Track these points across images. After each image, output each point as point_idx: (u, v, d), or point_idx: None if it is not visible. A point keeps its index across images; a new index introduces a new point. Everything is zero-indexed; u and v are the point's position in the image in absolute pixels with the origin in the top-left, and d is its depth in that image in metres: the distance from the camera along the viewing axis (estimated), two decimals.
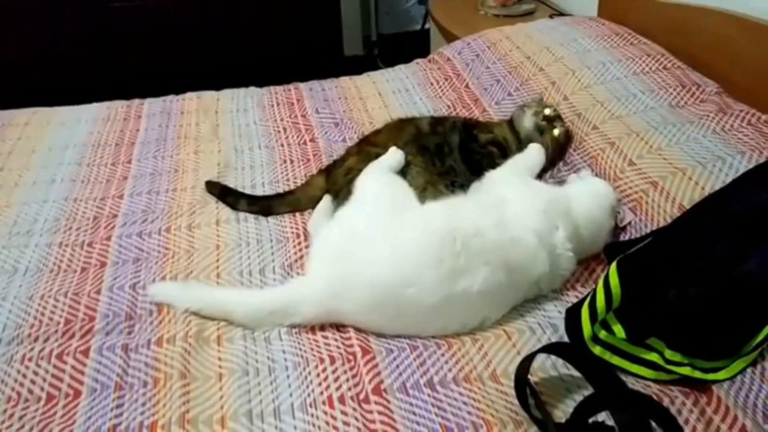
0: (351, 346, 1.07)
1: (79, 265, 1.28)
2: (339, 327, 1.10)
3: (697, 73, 1.56)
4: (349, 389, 1.00)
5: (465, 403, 0.96)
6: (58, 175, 1.58)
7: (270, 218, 1.39)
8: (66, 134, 1.76)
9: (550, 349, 0.99)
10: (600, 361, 1.00)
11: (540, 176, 1.40)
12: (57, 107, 1.92)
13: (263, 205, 1.41)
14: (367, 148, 1.43)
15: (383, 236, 1.12)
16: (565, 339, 1.06)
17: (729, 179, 1.18)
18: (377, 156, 1.36)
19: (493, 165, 1.39)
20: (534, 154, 1.40)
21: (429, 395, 0.98)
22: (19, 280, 1.24)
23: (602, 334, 1.01)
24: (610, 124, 1.44)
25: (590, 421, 0.88)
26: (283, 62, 3.19)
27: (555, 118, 1.47)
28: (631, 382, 0.98)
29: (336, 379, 1.01)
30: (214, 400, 0.99)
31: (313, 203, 1.39)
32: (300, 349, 1.07)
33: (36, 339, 1.11)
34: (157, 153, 1.66)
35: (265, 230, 1.35)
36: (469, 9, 2.60)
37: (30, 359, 1.07)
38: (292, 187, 1.48)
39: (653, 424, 0.86)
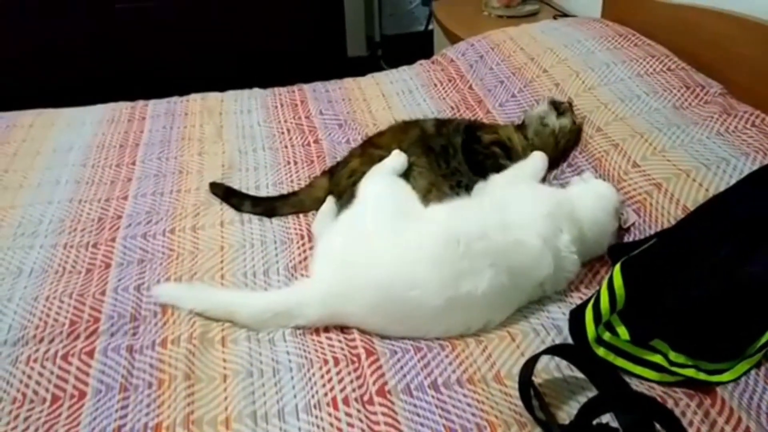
0: (355, 347, 1.07)
1: (84, 267, 1.28)
2: (343, 328, 1.11)
3: (701, 74, 1.55)
4: (353, 391, 1.00)
5: (469, 405, 0.96)
6: (63, 176, 1.58)
7: (274, 220, 1.39)
8: (70, 136, 1.76)
9: (554, 350, 0.99)
10: (604, 363, 1.00)
11: (543, 179, 1.40)
12: (61, 109, 1.93)
13: (267, 207, 1.42)
14: (371, 150, 1.43)
15: (387, 238, 1.12)
16: (569, 341, 1.06)
17: (733, 181, 1.17)
18: (380, 158, 1.36)
19: (497, 165, 1.39)
20: (537, 160, 1.40)
21: (433, 397, 0.98)
22: (24, 282, 1.24)
23: (606, 335, 1.01)
24: (614, 125, 1.43)
25: (594, 422, 0.88)
26: (286, 63, 3.19)
27: (569, 109, 1.48)
28: (635, 384, 0.98)
29: (340, 381, 1.01)
30: (219, 401, 0.99)
31: (317, 205, 1.39)
32: (304, 351, 1.07)
33: (41, 340, 1.11)
34: (161, 154, 1.66)
35: (270, 231, 1.36)
36: (473, 10, 2.60)
37: (35, 360, 1.07)
38: (296, 188, 1.48)
39: (657, 425, 0.86)
